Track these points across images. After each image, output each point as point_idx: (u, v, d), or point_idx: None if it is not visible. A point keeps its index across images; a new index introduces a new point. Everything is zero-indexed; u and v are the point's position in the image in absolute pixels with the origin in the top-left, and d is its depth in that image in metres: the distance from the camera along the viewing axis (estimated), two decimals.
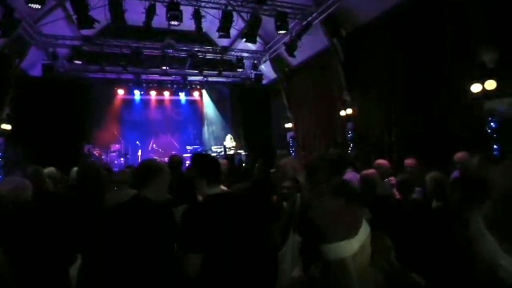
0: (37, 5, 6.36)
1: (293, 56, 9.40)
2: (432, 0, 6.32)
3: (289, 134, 12.01)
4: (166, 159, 11.38)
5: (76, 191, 3.83)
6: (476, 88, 5.51)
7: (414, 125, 6.78)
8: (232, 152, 11.32)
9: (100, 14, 7.89)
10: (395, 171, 4.24)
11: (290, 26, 8.69)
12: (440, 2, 6.13)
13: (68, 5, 8.57)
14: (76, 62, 9.92)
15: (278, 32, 8.52)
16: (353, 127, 8.72)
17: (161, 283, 1.91)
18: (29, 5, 6.47)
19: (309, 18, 8.74)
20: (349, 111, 8.71)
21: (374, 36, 7.94)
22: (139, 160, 11.28)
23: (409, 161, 4.39)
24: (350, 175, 3.97)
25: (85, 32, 8.96)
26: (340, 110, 9.02)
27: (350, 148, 8.73)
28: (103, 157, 11.48)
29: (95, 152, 11.24)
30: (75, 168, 5.45)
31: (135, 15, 7.96)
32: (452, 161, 3.51)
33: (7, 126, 8.62)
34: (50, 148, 9.38)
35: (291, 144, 11.77)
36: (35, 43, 9.12)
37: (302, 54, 9.65)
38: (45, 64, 9.78)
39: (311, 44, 9.29)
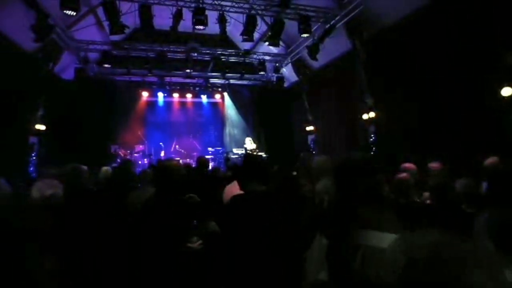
0: (72, 11, 6.70)
1: (315, 59, 9.41)
2: (456, 3, 6.20)
3: (310, 137, 11.99)
4: (188, 159, 11.72)
5: (107, 188, 4.04)
6: (506, 92, 5.36)
7: (439, 129, 6.65)
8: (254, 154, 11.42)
9: (129, 20, 8.22)
10: (421, 175, 4.19)
11: (313, 29, 8.72)
12: (466, 5, 6.00)
13: (99, 11, 9.00)
14: (105, 65, 10.33)
15: (301, 35, 8.55)
16: (376, 130, 8.63)
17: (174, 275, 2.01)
18: (64, 11, 6.84)
19: (332, 21, 8.74)
20: (372, 114, 8.63)
21: (397, 38, 7.83)
22: None
23: (434, 165, 4.30)
24: None
25: (113, 37, 9.34)
26: (362, 113, 8.95)
27: (372, 151, 8.63)
28: (128, 157, 11.85)
29: (120, 153, 11.63)
30: (105, 168, 5.71)
31: (161, 20, 8.23)
32: (482, 167, 3.44)
33: (41, 126, 9.09)
34: (79, 148, 9.81)
35: (312, 147, 11.74)
36: (68, 48, 9.59)
37: (324, 56, 9.64)
38: (77, 67, 10.25)
39: (333, 46, 9.28)
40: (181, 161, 11.27)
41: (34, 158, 8.99)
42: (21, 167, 8.46)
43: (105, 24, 8.30)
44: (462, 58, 6.11)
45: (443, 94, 6.55)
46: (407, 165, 4.04)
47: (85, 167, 4.95)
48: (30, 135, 8.99)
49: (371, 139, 8.71)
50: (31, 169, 8.85)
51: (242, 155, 11.95)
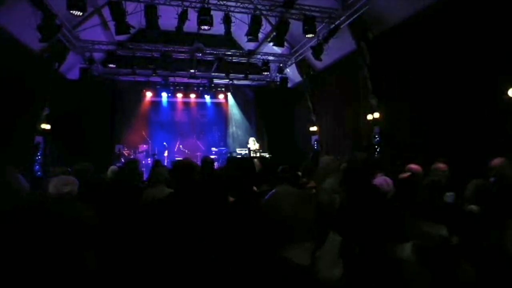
0: (79, 12, 6.73)
1: (319, 59, 9.41)
2: (462, 2, 6.17)
3: (314, 138, 11.99)
4: (192, 159, 11.73)
5: (114, 186, 4.06)
6: None
7: (444, 129, 6.63)
8: (256, 154, 11.45)
9: (134, 20, 8.26)
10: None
11: (317, 30, 8.72)
12: (471, 4, 5.98)
13: (103, 11, 9.05)
14: (110, 66, 10.37)
15: (306, 35, 8.55)
16: (380, 131, 8.62)
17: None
18: (71, 11, 6.87)
19: (337, 22, 8.74)
20: (376, 114, 8.63)
21: (402, 39, 7.82)
22: (166, 160, 11.64)
23: (440, 165, 4.25)
24: (380, 179, 3.96)
25: (118, 37, 9.38)
26: (366, 113, 8.94)
27: (376, 152, 8.63)
28: (132, 156, 11.89)
29: (124, 152, 11.68)
30: (112, 167, 5.75)
31: (166, 20, 8.26)
32: (488, 167, 3.43)
33: (46, 126, 9.15)
34: (84, 147, 9.88)
35: (316, 148, 11.74)
36: (73, 48, 9.65)
37: (328, 57, 9.63)
38: (82, 67, 10.31)
39: (338, 47, 9.27)
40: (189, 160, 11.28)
41: (39, 157, 9.05)
42: (27, 166, 8.51)
43: (111, 24, 8.33)
44: (467, 58, 6.08)
45: (449, 94, 6.53)
46: (412, 166, 4.03)
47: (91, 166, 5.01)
48: (35, 135, 9.05)
49: (375, 140, 8.69)
50: (37, 168, 8.91)
51: (245, 155, 11.98)
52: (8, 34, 7.37)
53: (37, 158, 8.97)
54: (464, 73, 6.14)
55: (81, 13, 6.82)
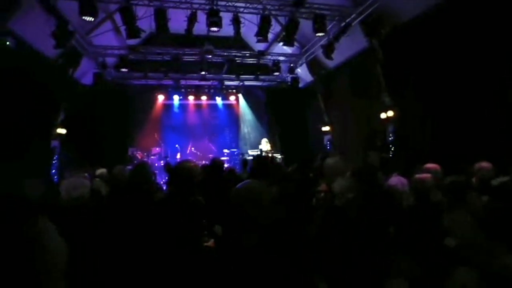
0: (90, 17, 6.86)
1: (330, 58, 9.27)
2: None
3: (326, 138, 11.84)
4: (203, 161, 11.78)
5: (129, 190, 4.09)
6: None
7: (461, 128, 6.40)
8: (268, 155, 11.38)
9: (145, 24, 8.35)
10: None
11: (327, 28, 8.59)
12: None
13: (115, 17, 9.19)
14: (122, 70, 10.52)
15: (316, 34, 8.44)
16: (394, 130, 8.41)
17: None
18: (83, 17, 7.01)
19: (348, 19, 8.59)
20: (390, 113, 8.43)
21: (415, 35, 7.60)
22: None
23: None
24: (395, 179, 3.84)
25: (130, 41, 9.51)
26: (379, 112, 8.75)
27: (391, 152, 8.43)
28: (144, 159, 12.03)
29: (137, 155, 11.83)
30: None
31: (176, 24, 8.32)
32: (509, 169, 3.27)
33: (62, 130, 9.36)
34: (99, 151, 10.04)
35: (328, 148, 11.59)
36: (87, 54, 9.83)
37: (339, 56, 9.49)
38: (95, 73, 10.50)
39: (349, 45, 9.12)
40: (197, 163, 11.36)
41: (55, 161, 9.25)
42: (44, 171, 8.70)
43: (122, 29, 8.45)
44: (483, 54, 5.85)
45: (465, 92, 6.31)
46: (429, 165, 3.88)
47: (104, 170, 5.09)
48: (52, 139, 9.25)
49: (390, 139, 8.50)
50: (53, 171, 9.10)
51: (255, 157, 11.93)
52: (24, 42, 7.55)
53: (53, 162, 9.17)
54: (481, 69, 5.91)
55: (92, 19, 6.93)
